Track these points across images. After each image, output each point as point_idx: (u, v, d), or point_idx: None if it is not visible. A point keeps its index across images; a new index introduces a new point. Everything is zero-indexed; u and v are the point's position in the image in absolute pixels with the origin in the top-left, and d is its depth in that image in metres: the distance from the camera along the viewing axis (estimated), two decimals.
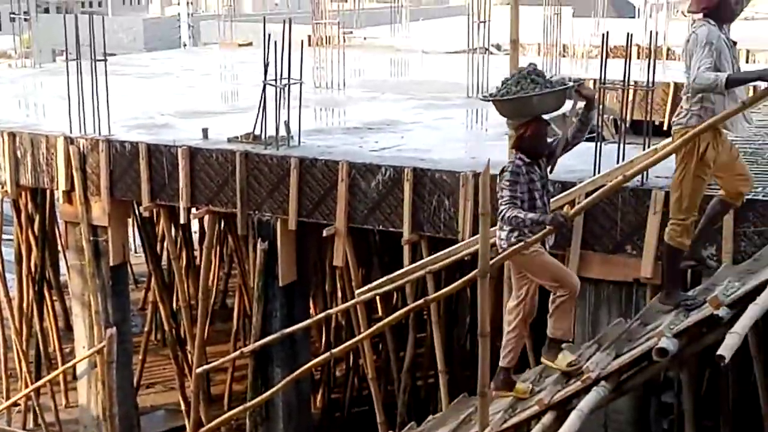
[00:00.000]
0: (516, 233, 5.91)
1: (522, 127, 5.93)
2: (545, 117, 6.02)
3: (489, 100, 6.09)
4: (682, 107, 6.04)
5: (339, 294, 12.56)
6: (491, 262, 5.62)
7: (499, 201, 5.80)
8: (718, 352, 5.01)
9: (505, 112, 5.99)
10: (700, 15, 5.87)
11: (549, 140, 6.10)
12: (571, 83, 5.97)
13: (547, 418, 5.89)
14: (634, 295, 7.81)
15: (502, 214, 5.75)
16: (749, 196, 7.23)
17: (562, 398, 5.98)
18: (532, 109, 5.89)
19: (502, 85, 5.96)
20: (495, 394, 6.31)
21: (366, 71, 16.84)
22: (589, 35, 19.76)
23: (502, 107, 5.98)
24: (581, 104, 6.06)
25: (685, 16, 28.09)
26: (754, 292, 5.64)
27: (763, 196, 7.30)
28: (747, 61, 19.07)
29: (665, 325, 5.81)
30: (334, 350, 8.51)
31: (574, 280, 6.15)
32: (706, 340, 5.87)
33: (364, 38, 22.88)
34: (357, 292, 8.50)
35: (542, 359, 6.35)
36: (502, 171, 5.88)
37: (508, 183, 5.81)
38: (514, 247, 5.82)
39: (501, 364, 6.38)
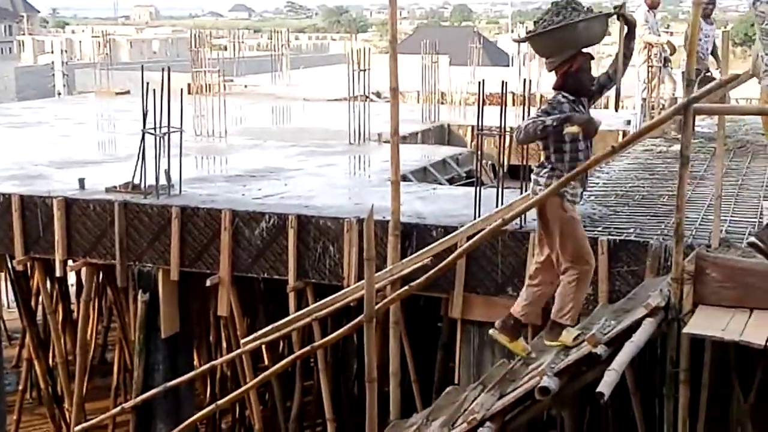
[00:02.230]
0: (554, 177, 5.72)
1: (566, 64, 5.68)
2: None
3: (531, 36, 5.76)
4: None
5: (224, 344, 12.36)
6: (377, 307, 5.66)
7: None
8: (598, 389, 5.17)
9: (549, 47, 5.67)
10: None
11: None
12: (612, 9, 5.66)
13: None
14: None
15: (525, 132, 5.55)
16: (622, 237, 7.54)
17: None
18: (577, 40, 5.60)
19: (540, 20, 5.66)
20: (494, 334, 6.17)
21: (247, 119, 16.80)
22: (465, 83, 20.30)
23: (544, 43, 5.66)
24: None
25: None
26: (629, 330, 5.85)
27: (635, 236, 7.59)
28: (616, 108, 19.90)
29: (546, 364, 5.95)
30: (219, 402, 8.37)
31: (591, 262, 5.98)
32: (586, 377, 6.04)
33: (245, 86, 22.86)
34: (242, 341, 8.40)
35: (545, 341, 6.21)
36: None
37: (541, 111, 5.61)
38: (553, 186, 5.61)
39: (514, 312, 6.20)
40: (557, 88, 5.82)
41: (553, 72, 5.88)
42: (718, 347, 6.11)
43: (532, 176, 6.02)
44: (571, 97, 5.73)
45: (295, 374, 9.92)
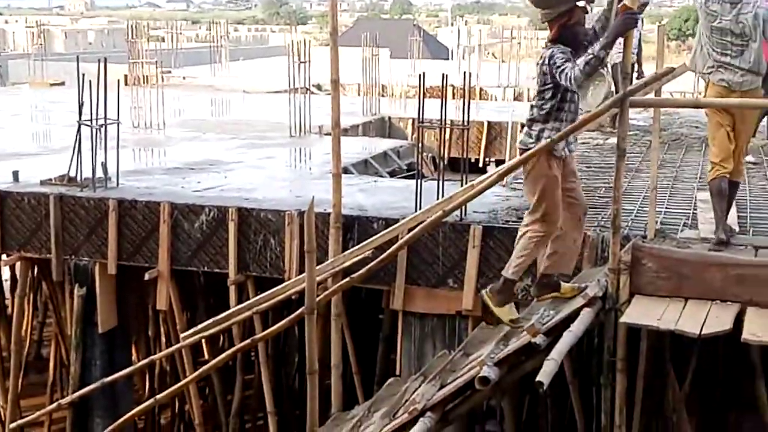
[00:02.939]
0: (546, 132, 5.77)
1: (564, 16, 5.73)
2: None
3: None
4: None
5: (163, 339, 12.22)
6: (318, 299, 5.65)
7: (554, 70, 5.62)
8: (537, 379, 5.24)
9: None
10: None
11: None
12: None
13: None
14: (457, 327, 8.03)
15: (570, 73, 5.51)
16: None
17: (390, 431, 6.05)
18: None
19: None
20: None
21: (186, 111, 16.62)
22: (406, 76, 20.37)
23: None
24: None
25: (495, 57, 29.38)
26: (568, 319, 5.93)
27: None
28: None
29: (486, 355, 6.00)
30: (158, 396, 8.27)
31: (557, 226, 5.95)
32: (525, 367, 6.11)
33: (183, 78, 22.62)
34: (182, 335, 8.32)
35: (486, 293, 6.21)
36: (543, 59, 5.72)
37: (560, 60, 5.57)
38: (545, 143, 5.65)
39: (543, 270, 6.22)
40: (553, 40, 5.83)
41: (547, 24, 5.90)
42: (654, 336, 6.24)
43: (525, 130, 6.00)
44: (568, 50, 5.75)
45: (236, 368, 9.86)
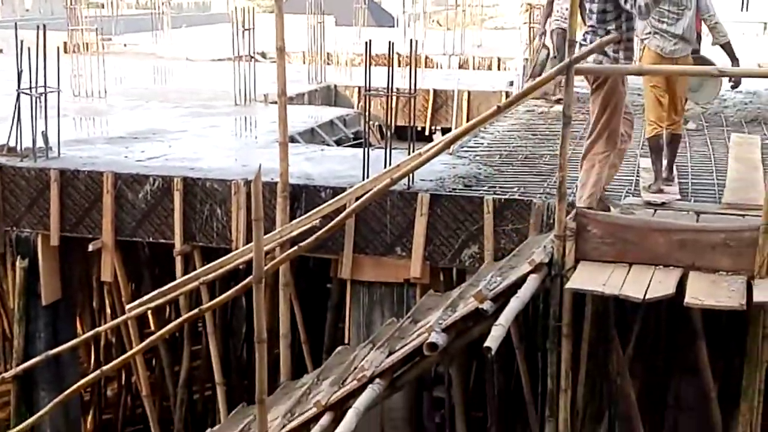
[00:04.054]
0: (623, 50, 6.41)
1: None
2: None
3: None
4: None
5: (108, 310, 12.09)
6: (266, 269, 5.63)
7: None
8: (485, 344, 5.30)
9: None
10: None
11: None
12: None
13: (325, 419, 5.98)
14: (405, 295, 8.07)
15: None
16: (506, 196, 7.70)
17: (339, 398, 6.09)
18: None
19: None
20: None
21: (128, 79, 16.33)
22: (351, 44, 20.25)
23: None
24: None
25: (440, 25, 29.38)
26: (514, 285, 6.00)
27: (519, 195, 7.76)
28: (499, 68, 20.25)
29: (434, 321, 6.05)
30: (104, 368, 8.21)
31: (618, 141, 6.57)
32: (473, 333, 6.18)
33: (125, 45, 22.23)
34: (127, 307, 8.25)
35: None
36: None
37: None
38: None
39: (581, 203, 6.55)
40: None
41: None
42: (599, 301, 6.34)
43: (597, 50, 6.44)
44: None
45: (183, 339, 9.80)
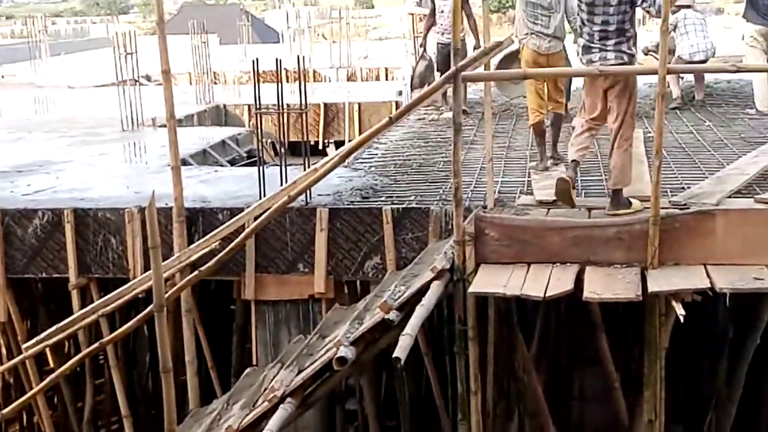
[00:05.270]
0: (633, 49, 6.97)
1: None
2: None
3: None
4: None
5: (3, 351, 11.66)
6: (166, 296, 5.53)
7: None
8: (395, 355, 5.33)
9: None
10: None
11: None
12: None
13: None
14: (311, 311, 8.04)
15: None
16: (404, 205, 7.77)
17: (251, 421, 6.03)
18: None
19: None
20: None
21: (7, 111, 15.83)
22: (237, 62, 20.12)
23: None
24: None
25: (325, 38, 29.45)
26: (418, 293, 6.06)
27: (417, 204, 7.83)
28: (387, 78, 20.40)
29: (342, 335, 6.05)
30: (4, 411, 7.92)
31: (635, 124, 7.27)
32: (381, 344, 6.21)
33: (2, 76, 21.56)
34: (24, 346, 7.98)
35: (608, 213, 6.83)
36: None
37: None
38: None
39: (613, 185, 7.02)
40: None
41: None
42: (501, 302, 6.46)
43: (611, 48, 6.94)
44: None
45: (85, 374, 9.53)
